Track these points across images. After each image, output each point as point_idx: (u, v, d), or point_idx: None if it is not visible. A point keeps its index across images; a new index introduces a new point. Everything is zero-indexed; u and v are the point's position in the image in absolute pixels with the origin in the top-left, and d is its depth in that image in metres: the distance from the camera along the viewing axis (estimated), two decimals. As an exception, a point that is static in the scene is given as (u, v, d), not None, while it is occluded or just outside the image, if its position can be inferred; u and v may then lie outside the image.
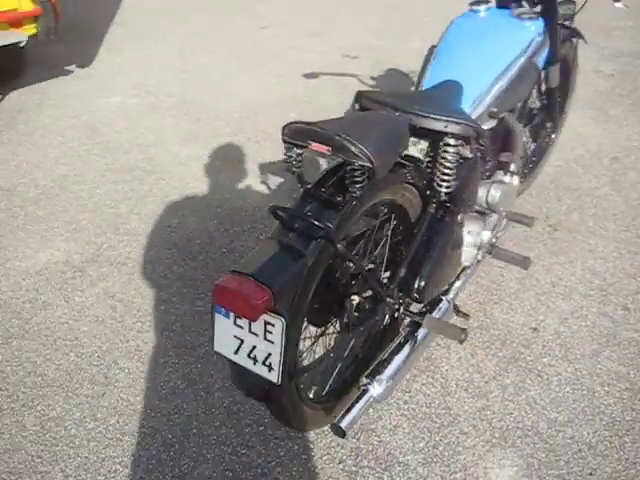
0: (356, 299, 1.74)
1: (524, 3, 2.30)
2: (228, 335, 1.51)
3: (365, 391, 1.76)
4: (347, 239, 1.77)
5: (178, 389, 2.10)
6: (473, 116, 1.98)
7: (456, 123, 1.72)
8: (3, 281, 2.64)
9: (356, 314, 1.77)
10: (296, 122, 1.52)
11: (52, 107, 4.26)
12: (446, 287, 2.09)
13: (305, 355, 1.86)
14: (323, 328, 1.84)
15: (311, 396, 1.89)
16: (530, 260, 2.26)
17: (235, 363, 1.53)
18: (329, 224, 1.49)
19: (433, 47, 2.19)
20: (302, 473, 1.84)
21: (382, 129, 1.57)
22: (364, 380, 1.79)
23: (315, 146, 1.48)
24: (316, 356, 1.95)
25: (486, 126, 2.12)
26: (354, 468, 1.85)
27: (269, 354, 1.45)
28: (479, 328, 2.36)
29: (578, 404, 2.05)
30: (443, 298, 2.07)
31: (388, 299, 1.84)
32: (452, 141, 1.77)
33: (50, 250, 2.82)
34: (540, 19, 2.22)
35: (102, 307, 2.47)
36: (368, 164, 1.44)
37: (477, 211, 2.26)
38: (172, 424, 1.99)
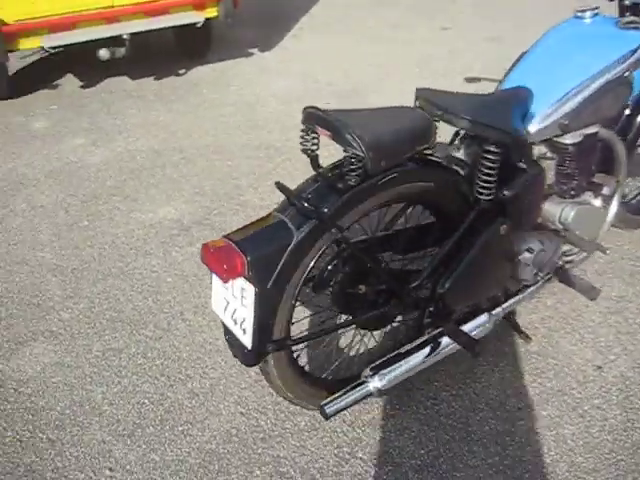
0: (363, 289, 1.75)
1: None
2: (220, 295, 1.63)
3: (364, 382, 1.77)
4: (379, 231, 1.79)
5: (222, 347, 2.26)
6: (541, 126, 1.87)
7: (492, 128, 1.65)
8: (122, 227, 3.00)
9: (365, 305, 1.78)
10: (312, 107, 1.57)
11: (223, 84, 4.66)
12: (488, 300, 2.00)
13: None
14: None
15: (310, 371, 1.94)
16: (599, 291, 2.08)
17: (223, 322, 1.64)
18: (325, 208, 1.53)
19: (523, 53, 2.09)
20: (297, 448, 1.90)
21: (395, 123, 1.57)
22: (367, 371, 1.80)
23: (320, 130, 1.52)
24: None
25: (568, 140, 1.98)
26: (347, 456, 1.87)
27: (244, 318, 1.54)
28: (537, 354, 2.21)
29: (613, 456, 1.85)
30: (485, 311, 1.98)
31: (406, 297, 1.81)
32: (491, 147, 1.70)
33: (169, 208, 3.14)
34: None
35: (190, 265, 2.72)
36: (360, 154, 1.46)
37: (553, 230, 2.12)
38: (204, 377, 2.15)
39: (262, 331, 1.55)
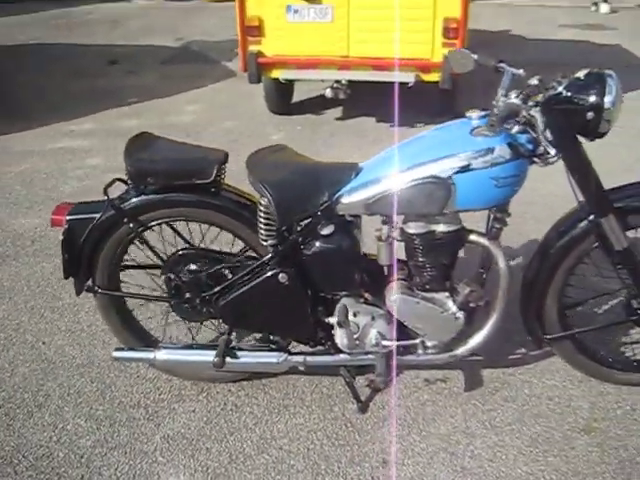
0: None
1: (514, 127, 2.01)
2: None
3: (153, 349, 2.32)
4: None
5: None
6: (349, 200, 2.05)
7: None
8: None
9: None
10: None
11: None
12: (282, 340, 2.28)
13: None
14: None
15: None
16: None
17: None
18: (123, 201, 2.15)
19: None
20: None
21: (180, 154, 2.13)
22: (163, 343, 2.35)
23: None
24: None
25: (411, 229, 2.09)
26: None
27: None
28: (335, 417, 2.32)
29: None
30: (281, 351, 2.27)
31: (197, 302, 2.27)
32: (262, 207, 2.07)
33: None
34: (499, 146, 1.94)
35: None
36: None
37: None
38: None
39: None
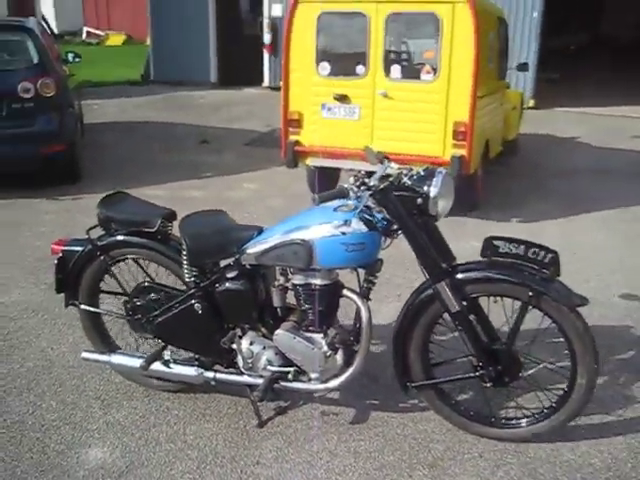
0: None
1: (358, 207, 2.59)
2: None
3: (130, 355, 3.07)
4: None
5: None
6: (249, 252, 2.73)
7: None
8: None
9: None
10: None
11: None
12: (205, 358, 2.94)
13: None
14: None
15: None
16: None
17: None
18: (99, 240, 2.97)
19: None
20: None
21: (134, 208, 2.91)
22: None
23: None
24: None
25: (296, 280, 2.74)
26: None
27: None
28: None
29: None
30: (200, 367, 2.94)
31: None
32: (183, 250, 2.81)
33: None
34: (354, 219, 2.56)
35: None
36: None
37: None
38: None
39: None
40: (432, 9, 5.30)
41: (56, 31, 17.29)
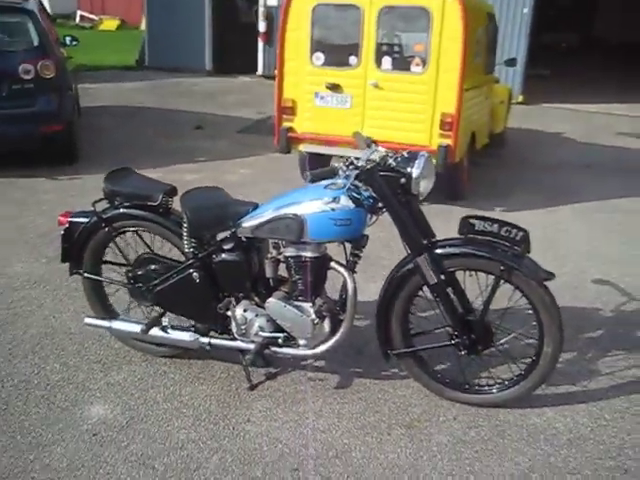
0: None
1: (341, 182, 2.81)
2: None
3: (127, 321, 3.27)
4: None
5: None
6: (244, 226, 2.93)
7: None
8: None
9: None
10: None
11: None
12: (201, 325, 3.15)
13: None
14: None
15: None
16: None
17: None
18: (104, 212, 3.17)
19: None
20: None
21: (138, 182, 3.10)
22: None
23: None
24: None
25: (288, 252, 2.94)
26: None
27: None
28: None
29: None
30: (195, 332, 3.15)
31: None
32: (184, 222, 3.02)
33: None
34: (343, 196, 2.78)
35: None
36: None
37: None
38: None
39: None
40: (423, 4, 5.51)
41: (50, 14, 17.35)
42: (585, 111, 12.21)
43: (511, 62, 7.86)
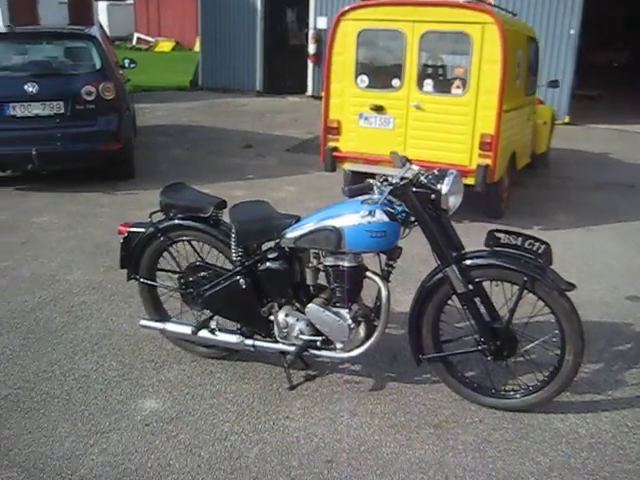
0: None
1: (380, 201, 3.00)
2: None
3: (174, 322, 3.57)
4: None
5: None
6: (288, 237, 3.19)
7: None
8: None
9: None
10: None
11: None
12: (246, 328, 3.41)
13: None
14: None
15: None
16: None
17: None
18: (160, 223, 3.48)
19: None
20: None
21: (190, 196, 3.40)
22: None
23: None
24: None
25: (327, 262, 3.19)
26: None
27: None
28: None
29: None
30: (241, 335, 3.41)
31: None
32: (232, 233, 3.29)
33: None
34: (378, 210, 3.00)
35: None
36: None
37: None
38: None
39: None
40: (464, 29, 5.72)
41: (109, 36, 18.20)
42: (633, 132, 12.13)
43: (554, 84, 7.97)
